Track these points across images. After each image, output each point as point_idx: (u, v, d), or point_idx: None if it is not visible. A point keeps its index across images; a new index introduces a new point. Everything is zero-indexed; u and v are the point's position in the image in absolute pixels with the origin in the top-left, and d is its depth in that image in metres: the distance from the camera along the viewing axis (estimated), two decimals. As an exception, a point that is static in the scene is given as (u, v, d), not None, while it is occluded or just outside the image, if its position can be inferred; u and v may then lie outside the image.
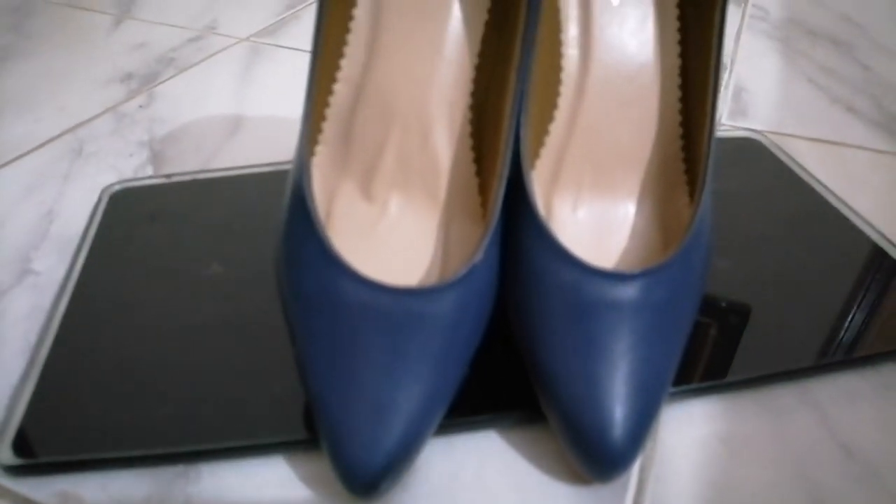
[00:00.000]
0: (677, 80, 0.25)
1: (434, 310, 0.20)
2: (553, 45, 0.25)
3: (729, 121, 0.45)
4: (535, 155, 0.25)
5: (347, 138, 0.24)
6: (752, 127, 0.44)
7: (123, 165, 0.39)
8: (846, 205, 0.33)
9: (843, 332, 0.26)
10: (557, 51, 0.25)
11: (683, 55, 0.25)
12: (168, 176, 0.35)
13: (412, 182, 0.24)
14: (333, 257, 0.20)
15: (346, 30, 0.23)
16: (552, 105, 0.25)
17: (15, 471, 0.22)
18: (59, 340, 0.26)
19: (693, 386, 0.24)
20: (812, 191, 0.34)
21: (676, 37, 0.25)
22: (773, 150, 0.38)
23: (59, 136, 0.42)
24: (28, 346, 0.27)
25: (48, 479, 0.22)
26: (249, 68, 0.51)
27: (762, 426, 0.24)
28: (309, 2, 0.63)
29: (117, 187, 0.34)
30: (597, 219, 0.25)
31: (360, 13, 0.23)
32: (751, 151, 0.38)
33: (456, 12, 0.23)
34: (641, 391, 0.21)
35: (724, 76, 0.51)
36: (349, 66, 0.23)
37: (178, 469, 0.22)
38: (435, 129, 0.23)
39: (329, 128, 0.24)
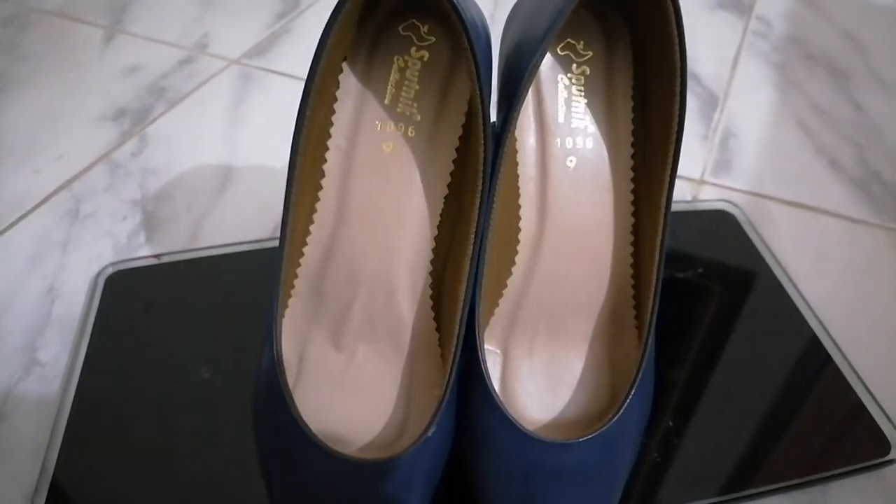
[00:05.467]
0: (630, 238, 0.26)
1: (388, 478, 0.23)
2: (512, 203, 0.26)
3: (711, 177, 0.45)
4: (494, 303, 0.26)
5: (318, 293, 0.26)
6: (733, 185, 0.44)
7: (118, 231, 0.41)
8: (807, 304, 0.34)
9: (772, 459, 0.28)
10: (515, 212, 0.26)
11: (636, 213, 0.26)
12: (158, 256, 0.37)
13: (378, 335, 0.26)
14: (300, 428, 0.23)
15: (316, 198, 0.25)
16: (511, 258, 0.26)
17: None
18: (64, 455, 0.29)
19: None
20: (778, 287, 0.35)
21: (630, 197, 0.26)
22: (745, 227, 0.39)
23: (56, 191, 0.43)
24: (38, 446, 0.30)
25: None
26: (240, 102, 0.51)
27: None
28: (297, 12, 0.62)
29: (111, 270, 0.36)
30: (550, 364, 0.27)
31: (329, 184, 0.25)
32: (722, 229, 0.39)
33: (417, 186, 0.24)
34: (576, 541, 0.24)
35: (716, 115, 0.51)
36: (318, 230, 0.25)
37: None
38: (398, 291, 0.25)
39: (300, 283, 0.25)
